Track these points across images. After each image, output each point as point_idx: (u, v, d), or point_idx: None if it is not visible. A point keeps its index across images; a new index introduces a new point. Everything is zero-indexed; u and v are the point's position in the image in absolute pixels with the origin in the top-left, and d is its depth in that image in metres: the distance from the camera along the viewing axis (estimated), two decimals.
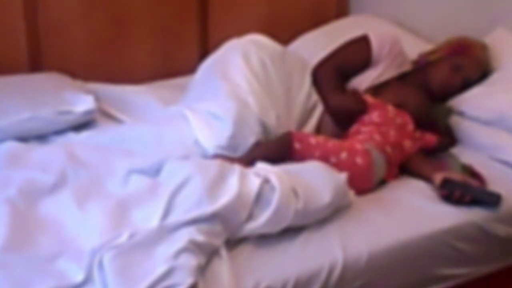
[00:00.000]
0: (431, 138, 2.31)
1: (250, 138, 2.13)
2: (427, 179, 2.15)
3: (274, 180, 1.84)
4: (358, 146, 2.14)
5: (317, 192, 1.88)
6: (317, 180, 1.91)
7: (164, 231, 1.70)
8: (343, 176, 1.96)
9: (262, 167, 1.95)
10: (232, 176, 1.84)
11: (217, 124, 2.12)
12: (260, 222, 1.80)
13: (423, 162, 2.22)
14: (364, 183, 2.09)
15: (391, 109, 2.34)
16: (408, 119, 2.32)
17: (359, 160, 2.09)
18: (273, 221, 1.81)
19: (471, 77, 2.47)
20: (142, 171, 1.95)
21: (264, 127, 2.18)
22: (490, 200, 2.06)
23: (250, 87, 2.23)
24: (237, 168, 1.89)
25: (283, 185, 1.83)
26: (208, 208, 1.74)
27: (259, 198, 1.82)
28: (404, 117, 2.32)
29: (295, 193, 1.84)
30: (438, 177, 2.09)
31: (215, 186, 1.80)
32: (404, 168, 2.22)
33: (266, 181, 1.85)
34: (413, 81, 2.50)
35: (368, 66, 2.49)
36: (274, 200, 1.81)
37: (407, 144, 2.25)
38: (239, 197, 1.79)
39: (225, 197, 1.78)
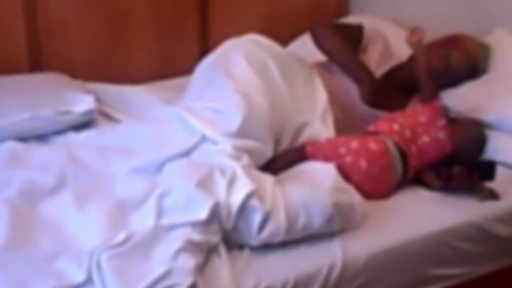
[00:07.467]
0: (446, 142, 2.18)
1: (259, 132, 2.09)
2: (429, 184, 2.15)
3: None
4: (370, 136, 2.10)
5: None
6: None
7: (160, 232, 1.71)
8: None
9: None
10: (220, 180, 1.82)
11: (221, 118, 2.09)
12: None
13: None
14: (383, 172, 2.02)
15: (398, 116, 2.24)
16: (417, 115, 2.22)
17: (372, 145, 2.03)
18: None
19: (456, 68, 2.45)
20: (142, 170, 1.96)
21: (271, 124, 2.17)
22: (485, 168, 2.07)
23: (255, 85, 2.22)
24: (218, 174, 1.84)
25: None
26: (201, 215, 1.73)
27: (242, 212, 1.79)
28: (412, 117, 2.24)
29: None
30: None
31: (203, 188, 1.79)
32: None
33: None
34: (401, 72, 2.48)
35: (359, 44, 2.49)
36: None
37: (424, 139, 2.16)
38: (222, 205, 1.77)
39: (212, 200, 1.76)
